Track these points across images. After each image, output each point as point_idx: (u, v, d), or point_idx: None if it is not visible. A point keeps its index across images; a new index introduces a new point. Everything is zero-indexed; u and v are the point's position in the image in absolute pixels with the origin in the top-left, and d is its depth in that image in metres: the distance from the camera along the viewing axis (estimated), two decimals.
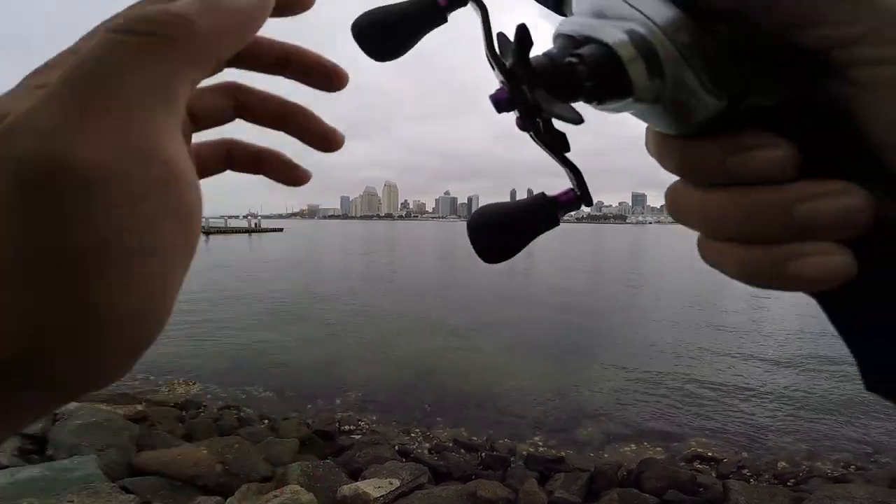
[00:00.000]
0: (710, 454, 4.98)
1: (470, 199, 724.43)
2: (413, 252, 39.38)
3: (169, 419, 5.27)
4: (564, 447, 5.29)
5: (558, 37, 0.26)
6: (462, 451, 5.11)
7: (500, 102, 0.24)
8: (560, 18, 0.29)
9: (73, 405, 4.63)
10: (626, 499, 3.57)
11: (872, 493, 3.13)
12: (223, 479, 3.82)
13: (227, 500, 3.38)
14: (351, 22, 0.28)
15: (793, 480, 4.28)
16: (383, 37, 0.28)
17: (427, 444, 5.22)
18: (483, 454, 4.97)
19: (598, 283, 20.28)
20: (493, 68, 0.25)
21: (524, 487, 3.79)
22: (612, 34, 0.21)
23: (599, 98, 0.23)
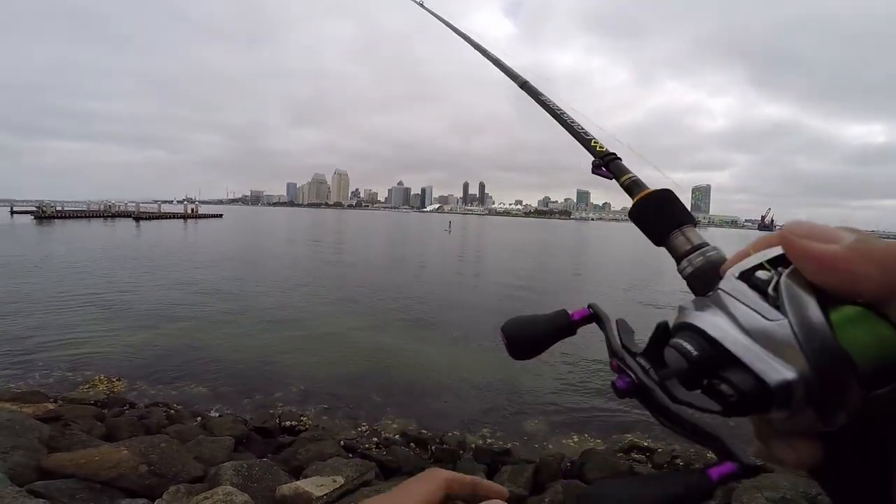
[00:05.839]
0: (645, 444, 5.23)
1: (423, 191, 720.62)
2: (361, 241, 38.63)
3: (86, 418, 4.80)
4: (511, 439, 5.39)
5: (692, 329, 0.29)
6: (412, 444, 5.05)
7: (625, 391, 0.28)
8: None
9: None
10: (570, 491, 3.64)
11: (794, 482, 3.36)
12: (149, 481, 3.55)
13: (155, 503, 3.14)
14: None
15: None
16: (525, 343, 0.36)
17: (375, 439, 5.12)
18: (433, 447, 4.96)
19: (545, 273, 20.93)
20: (623, 361, 0.29)
21: None
22: (775, 376, 0.25)
23: (730, 411, 0.26)
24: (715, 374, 0.27)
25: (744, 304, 0.27)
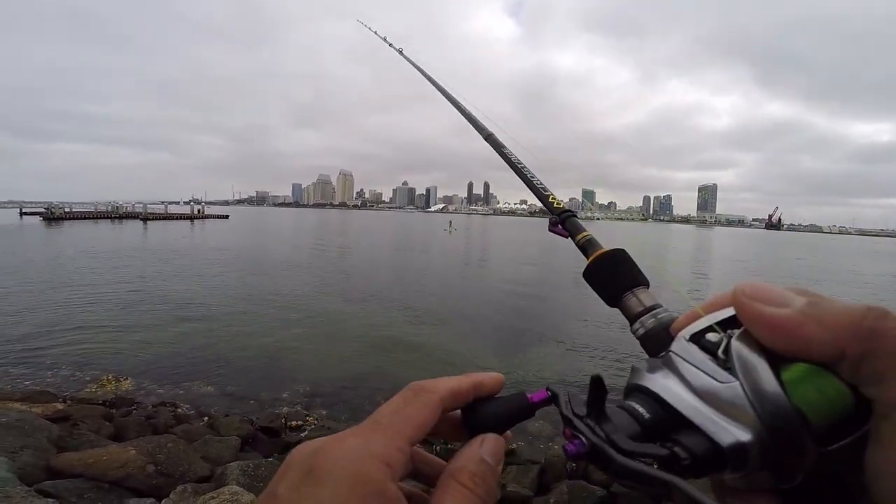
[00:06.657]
0: None
1: (428, 191, 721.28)
2: (365, 241, 38.71)
3: (94, 418, 4.85)
4: (516, 439, 5.36)
5: (644, 391, 0.29)
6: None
7: (576, 454, 0.27)
8: None
9: None
10: (575, 491, 3.62)
11: None
12: (156, 481, 3.57)
13: (162, 502, 3.17)
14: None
15: None
16: (488, 422, 0.35)
17: None
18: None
19: (547, 277, 20.87)
20: (571, 425, 0.29)
21: None
22: (728, 438, 0.25)
23: (684, 474, 0.26)
24: (668, 436, 0.27)
25: (695, 366, 0.28)
